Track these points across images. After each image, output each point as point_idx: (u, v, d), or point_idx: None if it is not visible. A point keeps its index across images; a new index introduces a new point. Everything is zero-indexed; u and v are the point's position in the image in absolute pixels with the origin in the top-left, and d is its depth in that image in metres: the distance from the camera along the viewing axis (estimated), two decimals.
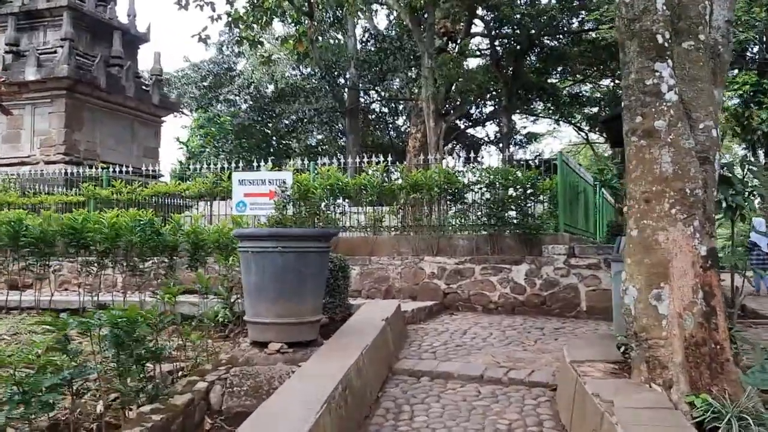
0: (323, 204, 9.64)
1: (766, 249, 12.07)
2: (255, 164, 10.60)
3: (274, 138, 26.45)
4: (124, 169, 12.14)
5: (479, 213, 9.54)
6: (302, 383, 4.54)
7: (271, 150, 27.25)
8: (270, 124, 25.96)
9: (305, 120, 26.00)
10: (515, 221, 9.14)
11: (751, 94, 17.78)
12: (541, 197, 9.40)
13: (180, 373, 5.57)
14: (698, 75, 4.47)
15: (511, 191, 9.34)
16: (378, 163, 9.82)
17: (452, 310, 8.75)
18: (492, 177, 9.27)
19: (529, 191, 9.21)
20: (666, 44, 4.32)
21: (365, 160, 10.06)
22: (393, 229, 9.89)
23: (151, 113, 16.75)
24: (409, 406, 5.03)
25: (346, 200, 10.31)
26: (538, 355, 6.14)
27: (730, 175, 4.95)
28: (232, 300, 6.76)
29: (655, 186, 4.26)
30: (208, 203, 10.49)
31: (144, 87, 16.75)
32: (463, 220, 9.66)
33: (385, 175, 10.06)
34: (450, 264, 8.94)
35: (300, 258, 5.66)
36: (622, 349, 4.56)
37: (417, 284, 9.04)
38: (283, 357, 5.58)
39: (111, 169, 12.18)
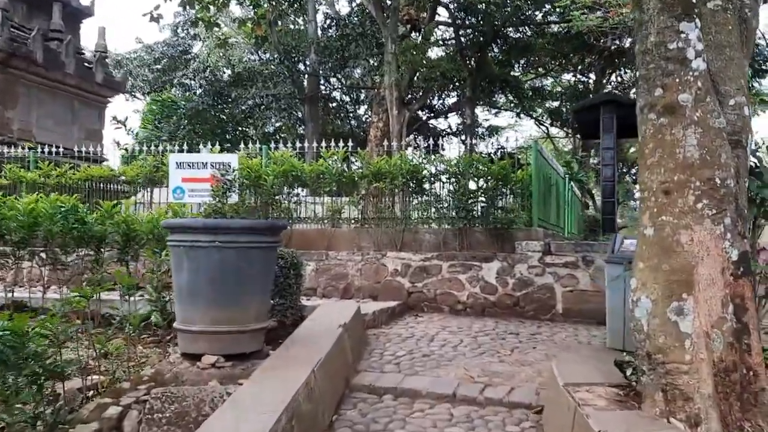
0: (277, 193, 8.65)
1: None
2: (202, 149, 9.54)
3: (230, 124, 25.11)
4: (55, 150, 10.87)
5: (447, 205, 8.66)
6: (237, 412, 3.58)
7: (228, 137, 25.90)
8: (226, 110, 24.63)
9: (263, 106, 24.70)
10: (486, 215, 8.29)
11: None
12: (513, 189, 8.57)
13: (92, 393, 4.54)
14: (726, 41, 3.64)
15: (481, 182, 8.48)
16: (337, 148, 8.83)
17: (417, 311, 7.86)
18: (462, 167, 8.39)
19: (500, 183, 8.36)
20: (694, 0, 3.47)
21: (323, 145, 9.06)
22: (353, 221, 8.95)
23: (93, 92, 15.35)
24: None
25: (303, 189, 9.32)
26: (517, 368, 5.29)
27: (758, 163, 4.14)
28: (165, 300, 5.73)
29: (677, 174, 3.42)
30: (149, 189, 9.36)
31: (87, 64, 15.34)
32: (429, 213, 8.77)
33: (345, 164, 9.09)
34: (415, 260, 8.05)
35: (242, 255, 4.70)
36: (629, 371, 3.72)
37: (378, 282, 8.12)
38: (219, 373, 4.61)
39: (45, 150, 10.90)
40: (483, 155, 9.18)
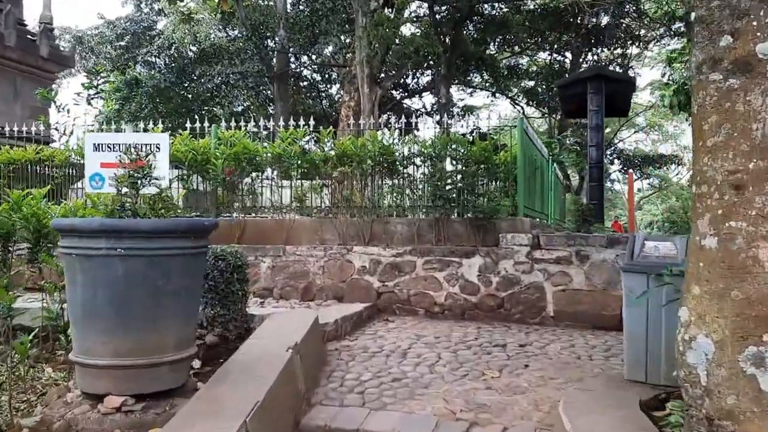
0: (228, 179, 7.44)
1: None
2: (156, 128, 8.26)
3: (195, 103, 23.59)
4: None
5: (421, 192, 7.53)
6: None
7: (196, 116, 24.37)
8: (191, 88, 23.07)
9: (230, 84, 23.20)
10: (465, 203, 7.17)
11: None
12: (496, 173, 7.46)
13: None
14: None
15: (460, 166, 7.35)
16: (297, 127, 7.60)
17: (388, 315, 6.75)
18: (438, 148, 7.25)
19: (482, 166, 7.23)
20: None
21: (281, 124, 7.82)
22: (316, 210, 7.76)
23: (38, 67, 13.80)
24: None
25: (262, 173, 8.10)
26: (508, 398, 4.21)
27: None
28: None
29: (753, 161, 2.32)
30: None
31: (30, 37, 13.79)
32: (401, 201, 7.62)
33: (317, 145, 7.85)
34: (385, 256, 6.92)
35: (155, 265, 3.52)
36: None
37: (344, 281, 6.98)
38: (127, 420, 3.45)
39: None
40: (460, 135, 8.01)
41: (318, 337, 5.15)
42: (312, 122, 7.78)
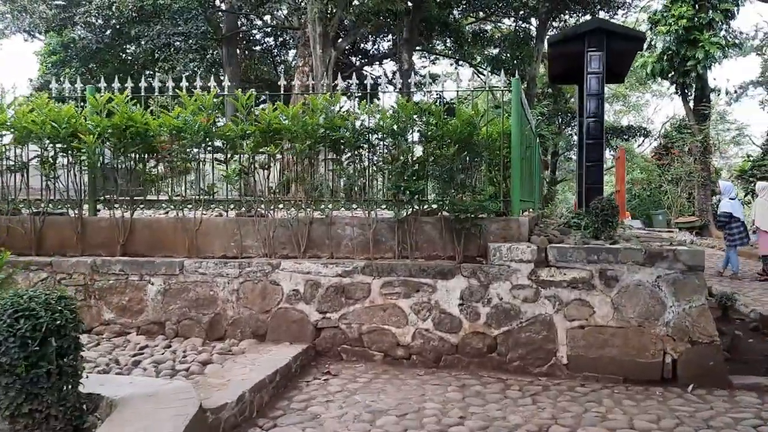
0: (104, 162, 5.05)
1: (743, 218, 8.70)
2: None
3: (134, 67, 20.60)
4: None
5: (382, 182, 5.27)
6: None
7: (135, 82, 21.34)
8: (128, 50, 20.07)
9: (172, 46, 20.20)
10: (441, 198, 4.93)
11: (684, 30, 14.34)
12: (479, 156, 5.22)
13: None
14: None
15: (432, 146, 5.06)
16: (206, 90, 5.21)
17: (330, 361, 4.52)
18: (403, 121, 4.96)
19: (462, 148, 4.96)
20: None
21: (183, 85, 5.38)
22: (231, 206, 5.38)
23: None
24: None
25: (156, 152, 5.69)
26: None
27: None
28: None
29: None
30: None
31: None
32: (351, 194, 5.32)
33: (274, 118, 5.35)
34: (327, 275, 4.66)
35: None
36: None
37: (267, 312, 4.69)
38: None
39: None
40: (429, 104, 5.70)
41: None
42: (277, 96, 5.35)
